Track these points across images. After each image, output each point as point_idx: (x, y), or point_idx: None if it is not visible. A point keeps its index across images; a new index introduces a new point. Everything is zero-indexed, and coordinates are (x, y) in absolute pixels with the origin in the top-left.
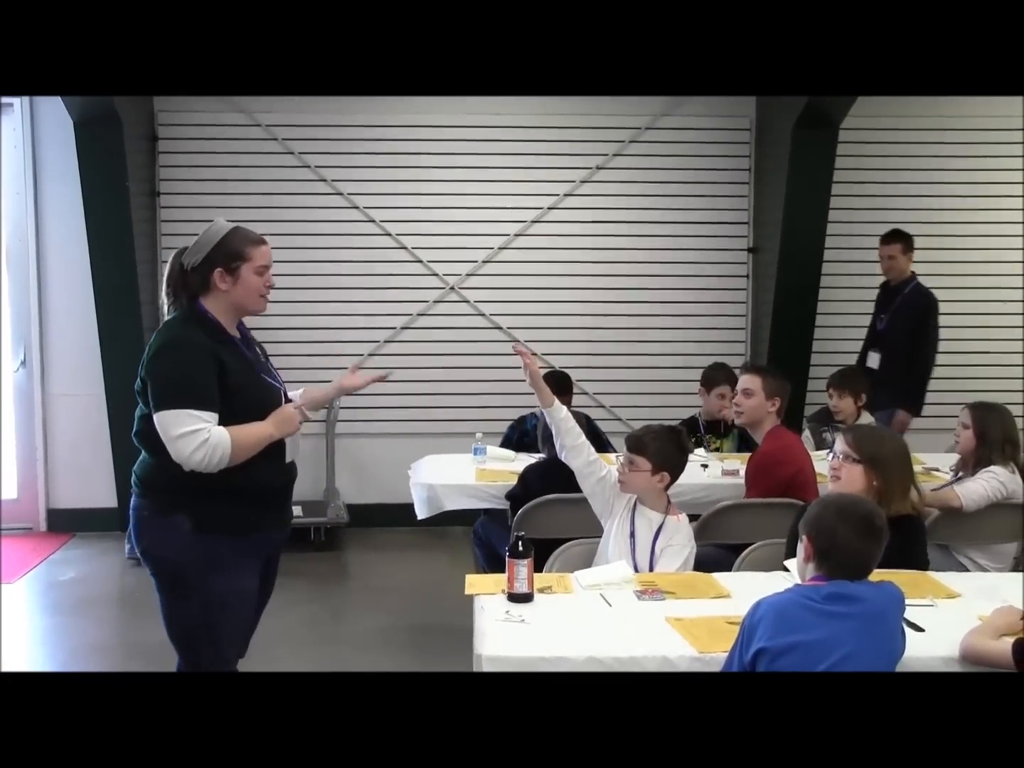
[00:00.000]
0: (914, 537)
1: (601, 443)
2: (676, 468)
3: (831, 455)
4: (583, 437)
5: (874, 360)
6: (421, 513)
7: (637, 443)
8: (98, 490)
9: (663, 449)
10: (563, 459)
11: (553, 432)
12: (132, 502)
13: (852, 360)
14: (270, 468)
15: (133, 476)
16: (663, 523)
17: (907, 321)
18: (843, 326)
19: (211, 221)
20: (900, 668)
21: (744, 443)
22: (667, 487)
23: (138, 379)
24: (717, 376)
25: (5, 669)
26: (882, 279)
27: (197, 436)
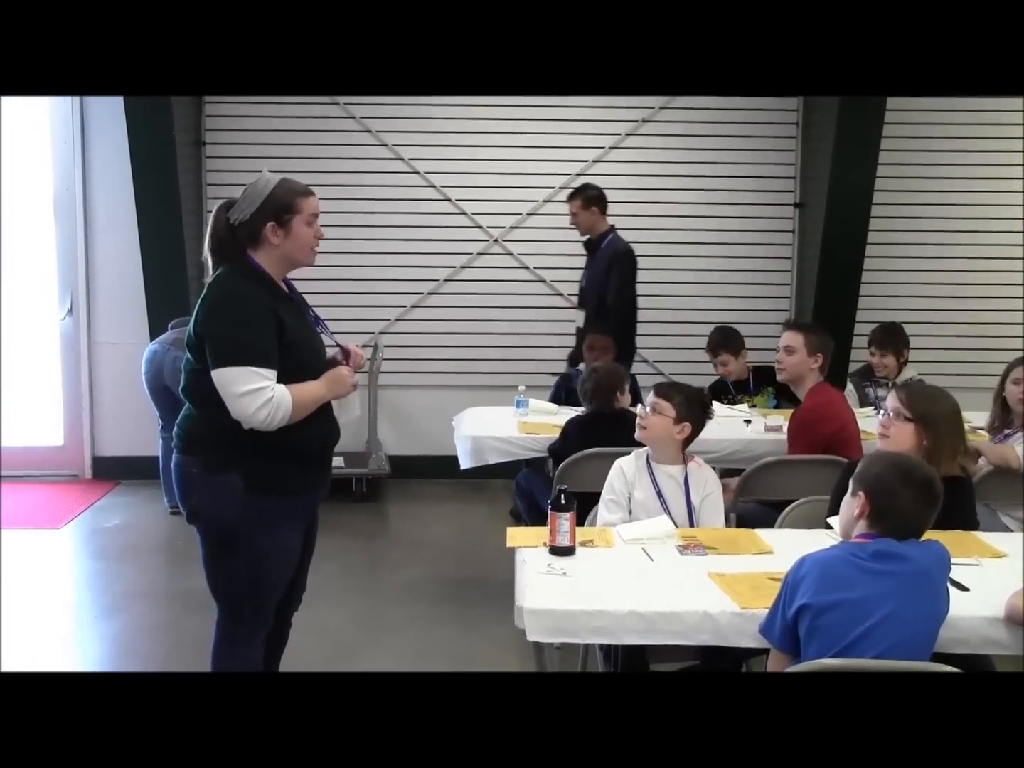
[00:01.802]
0: (963, 499)
1: (638, 403)
2: (697, 425)
3: (881, 412)
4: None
5: (580, 319)
6: (465, 464)
7: (665, 390)
8: (143, 439)
9: (689, 402)
10: None
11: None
12: (176, 459)
13: (898, 317)
14: (319, 428)
15: (178, 431)
16: (686, 473)
17: (598, 275)
18: (890, 283)
19: (257, 171)
20: (944, 627)
21: (784, 400)
22: (685, 442)
23: (190, 333)
24: (713, 341)
25: (52, 610)
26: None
27: (261, 394)
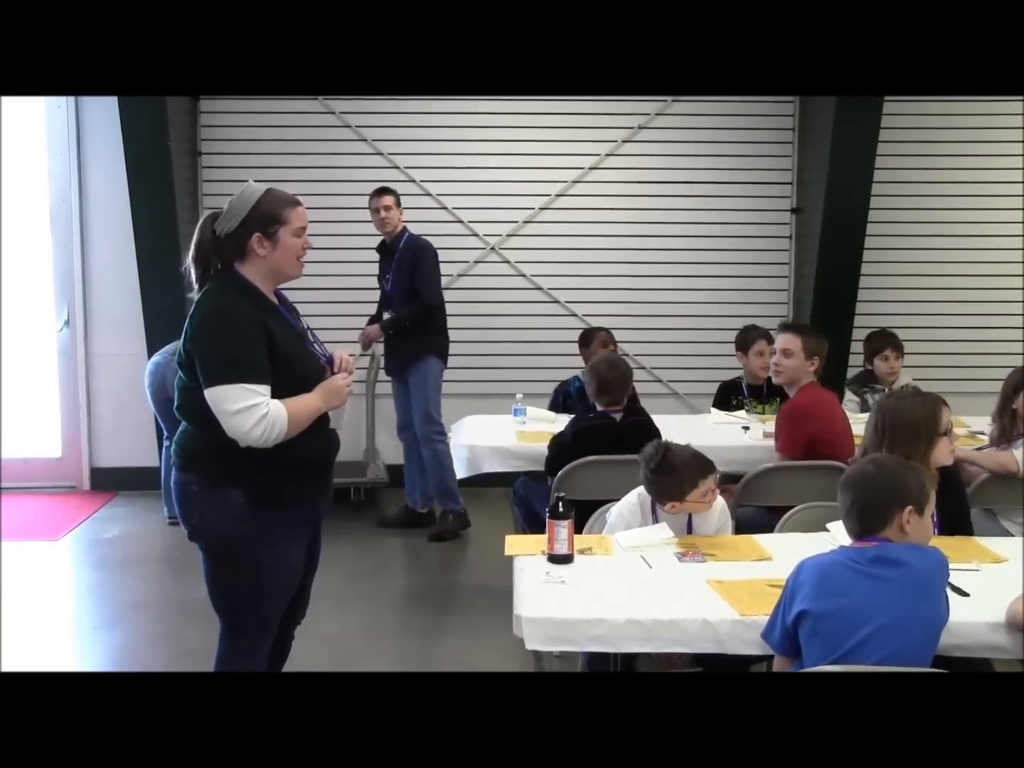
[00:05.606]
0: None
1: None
2: None
3: None
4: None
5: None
6: (460, 473)
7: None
8: (140, 449)
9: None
10: None
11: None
12: (175, 476)
13: (896, 322)
14: (318, 439)
15: (176, 448)
16: (690, 517)
17: (407, 272)
18: (888, 287)
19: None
20: (945, 632)
21: None
22: None
23: (180, 351)
24: (751, 336)
25: (51, 622)
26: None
27: (255, 411)
